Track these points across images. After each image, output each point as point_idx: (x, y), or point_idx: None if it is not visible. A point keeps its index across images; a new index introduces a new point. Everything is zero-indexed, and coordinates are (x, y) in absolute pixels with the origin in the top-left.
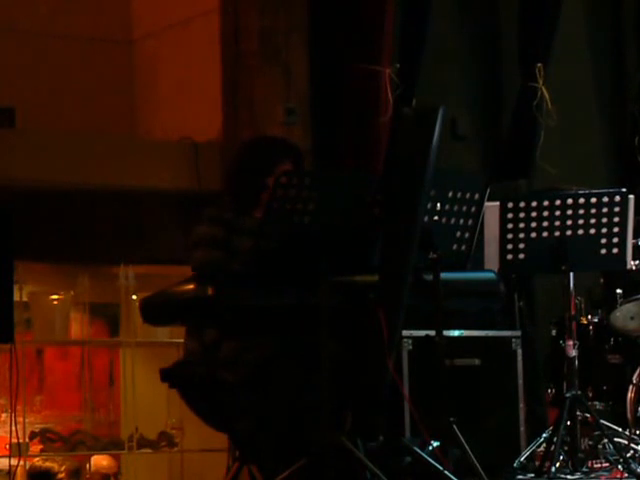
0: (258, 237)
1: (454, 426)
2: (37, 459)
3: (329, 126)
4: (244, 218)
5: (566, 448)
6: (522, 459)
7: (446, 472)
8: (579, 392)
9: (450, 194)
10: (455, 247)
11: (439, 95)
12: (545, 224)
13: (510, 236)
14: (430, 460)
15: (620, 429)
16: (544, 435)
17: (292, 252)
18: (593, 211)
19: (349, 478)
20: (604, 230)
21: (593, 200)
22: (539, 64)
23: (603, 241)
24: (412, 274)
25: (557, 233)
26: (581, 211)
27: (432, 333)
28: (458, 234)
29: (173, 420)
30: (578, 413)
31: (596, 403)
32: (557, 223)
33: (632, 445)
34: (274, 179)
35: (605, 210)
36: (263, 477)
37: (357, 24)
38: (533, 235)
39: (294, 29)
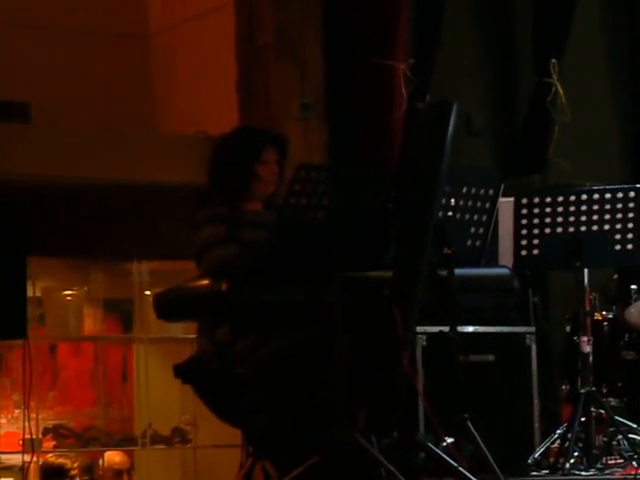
0: (273, 232)
1: (468, 422)
2: (50, 455)
3: (344, 121)
4: (244, 212)
5: (580, 444)
6: (536, 455)
7: (460, 468)
8: (593, 388)
9: (464, 190)
10: (469, 243)
11: (453, 91)
12: (559, 220)
13: (524, 232)
14: (444, 456)
15: (635, 425)
16: (558, 431)
17: (306, 248)
18: (607, 207)
19: (363, 475)
20: (618, 226)
21: (607, 196)
22: (554, 60)
23: (617, 237)
24: (426, 270)
25: (571, 229)
26: (595, 207)
27: (446, 329)
28: (472, 230)
29: (186, 416)
30: (592, 409)
31: (610, 399)
32: (571, 219)
33: None
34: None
35: (619, 206)
36: (277, 473)
37: (372, 19)
38: (547, 231)
39: (309, 23)
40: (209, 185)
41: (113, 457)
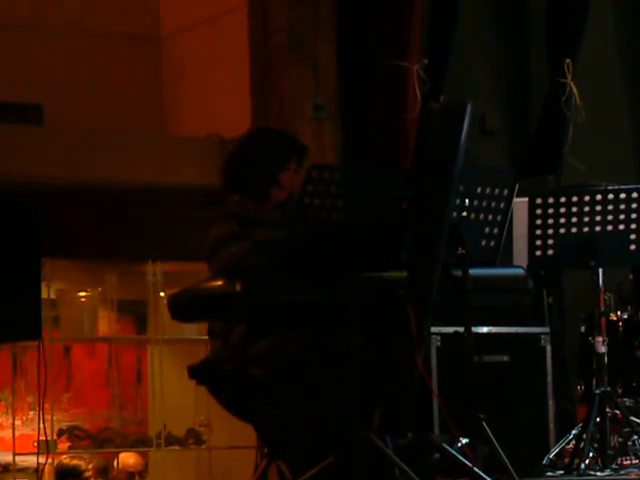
0: (287, 233)
1: (483, 423)
2: (65, 456)
3: (358, 122)
4: (256, 210)
5: (595, 445)
6: (551, 456)
7: (475, 469)
8: (608, 388)
9: (479, 190)
10: (484, 243)
11: (467, 91)
12: (574, 220)
13: (539, 232)
14: (459, 457)
15: None
16: (573, 432)
17: (320, 248)
18: (622, 207)
19: (378, 475)
20: (633, 226)
21: (622, 196)
22: (568, 59)
23: (632, 237)
24: (441, 270)
25: (586, 229)
26: (610, 207)
27: (461, 329)
28: (487, 230)
29: (201, 417)
30: (607, 410)
31: (625, 399)
32: (586, 219)
33: None
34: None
35: (634, 206)
36: (291, 474)
37: (385, 19)
38: (562, 231)
39: (322, 25)
40: (225, 184)
41: (127, 459)
